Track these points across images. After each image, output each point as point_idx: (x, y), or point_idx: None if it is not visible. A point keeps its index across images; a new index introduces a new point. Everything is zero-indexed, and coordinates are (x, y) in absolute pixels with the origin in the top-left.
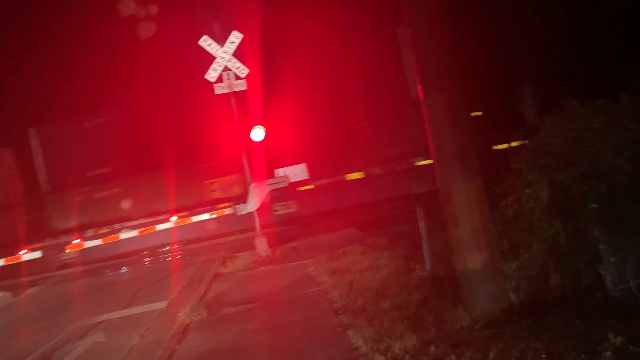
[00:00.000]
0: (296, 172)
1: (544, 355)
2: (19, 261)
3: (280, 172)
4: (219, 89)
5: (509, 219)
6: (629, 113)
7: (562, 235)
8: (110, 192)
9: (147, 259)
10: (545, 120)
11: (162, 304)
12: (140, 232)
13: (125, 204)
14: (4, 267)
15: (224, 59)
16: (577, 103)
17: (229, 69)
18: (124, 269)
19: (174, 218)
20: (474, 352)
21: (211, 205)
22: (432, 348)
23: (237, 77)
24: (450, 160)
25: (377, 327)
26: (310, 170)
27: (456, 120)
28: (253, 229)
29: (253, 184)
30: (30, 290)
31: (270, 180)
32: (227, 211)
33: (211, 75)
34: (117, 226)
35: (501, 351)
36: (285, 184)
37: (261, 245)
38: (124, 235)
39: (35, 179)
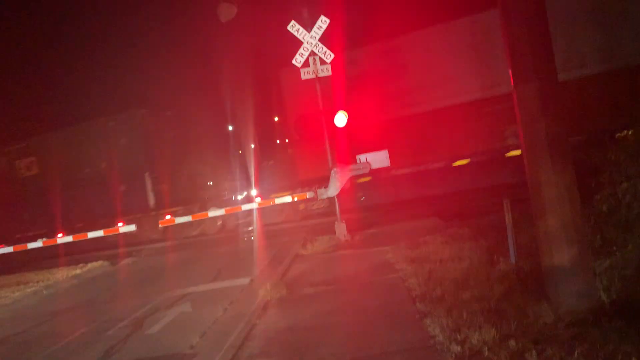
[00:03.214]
0: (378, 159)
1: (634, 359)
2: (116, 233)
3: (362, 157)
4: (306, 74)
5: (603, 213)
6: None
7: None
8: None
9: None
10: None
11: (245, 280)
12: (227, 210)
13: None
14: (103, 237)
15: (311, 44)
16: None
17: (315, 54)
18: (211, 246)
19: (258, 199)
20: (557, 350)
21: (292, 189)
22: (512, 342)
23: (323, 62)
24: (541, 149)
25: (455, 317)
26: (392, 157)
27: (549, 107)
28: (334, 213)
29: (335, 169)
30: (125, 261)
31: (352, 166)
32: (308, 195)
33: (298, 60)
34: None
35: (587, 351)
36: (366, 170)
37: (340, 230)
38: (212, 213)
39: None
